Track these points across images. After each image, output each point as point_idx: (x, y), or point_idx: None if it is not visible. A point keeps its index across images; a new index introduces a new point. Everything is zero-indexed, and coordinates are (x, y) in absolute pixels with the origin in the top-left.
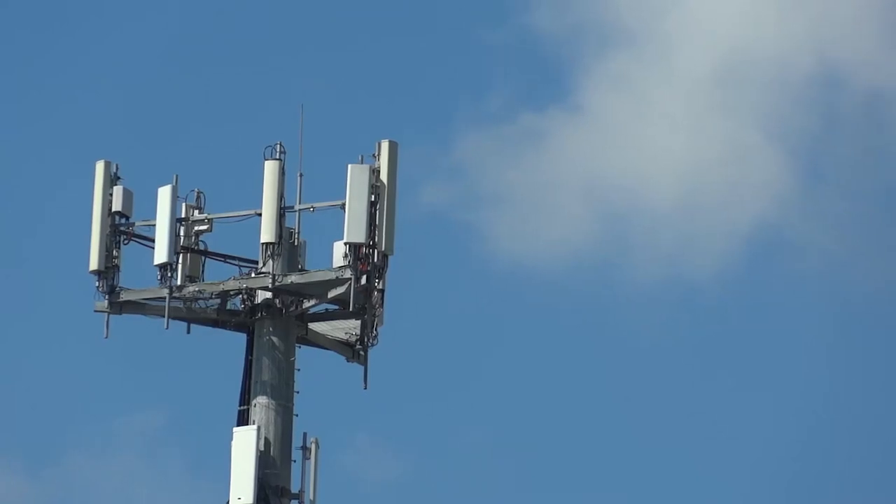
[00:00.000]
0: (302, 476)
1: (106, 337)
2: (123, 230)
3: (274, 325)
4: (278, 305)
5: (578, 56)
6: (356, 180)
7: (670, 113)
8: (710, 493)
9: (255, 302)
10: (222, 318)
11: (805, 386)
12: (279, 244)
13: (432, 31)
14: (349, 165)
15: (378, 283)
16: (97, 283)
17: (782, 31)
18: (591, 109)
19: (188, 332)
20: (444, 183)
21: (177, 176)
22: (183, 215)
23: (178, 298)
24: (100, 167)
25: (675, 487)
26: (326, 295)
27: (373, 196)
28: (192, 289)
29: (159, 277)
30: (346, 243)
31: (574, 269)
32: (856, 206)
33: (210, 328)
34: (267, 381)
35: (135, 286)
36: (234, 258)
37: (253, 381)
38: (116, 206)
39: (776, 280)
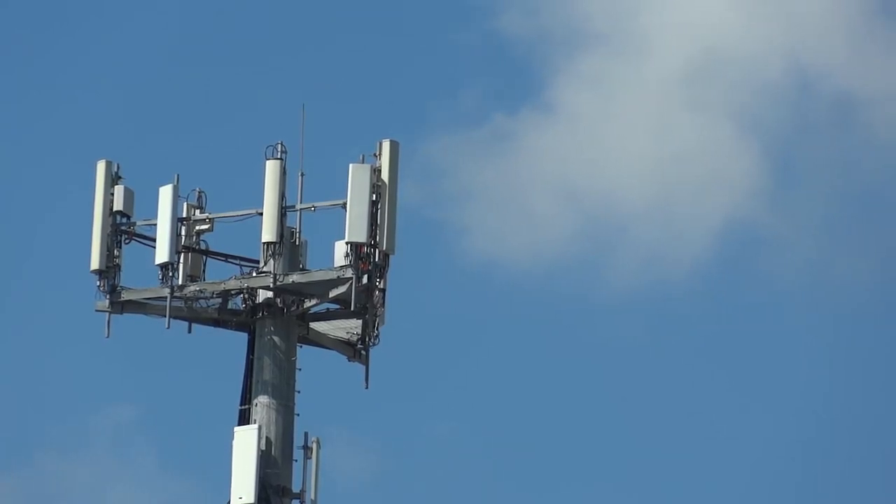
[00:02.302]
0: (303, 475)
1: (107, 336)
2: (124, 230)
3: (275, 324)
4: (279, 305)
5: (549, 57)
6: (357, 180)
7: (642, 113)
8: (688, 490)
9: (257, 301)
10: (223, 318)
11: (788, 383)
12: (280, 244)
13: (405, 32)
14: (350, 165)
15: (379, 282)
16: (98, 283)
17: (753, 32)
18: (563, 110)
19: (189, 331)
20: (418, 183)
21: (178, 175)
22: (184, 215)
23: (179, 298)
24: (101, 167)
25: (653, 482)
26: (328, 294)
27: (374, 195)
28: (193, 288)
29: (160, 277)
30: (347, 243)
31: (549, 269)
32: (829, 204)
33: (211, 328)
34: (268, 380)
35: (136, 286)
36: (235, 258)
37: (254, 381)
38: (117, 205)
39: (753, 278)
